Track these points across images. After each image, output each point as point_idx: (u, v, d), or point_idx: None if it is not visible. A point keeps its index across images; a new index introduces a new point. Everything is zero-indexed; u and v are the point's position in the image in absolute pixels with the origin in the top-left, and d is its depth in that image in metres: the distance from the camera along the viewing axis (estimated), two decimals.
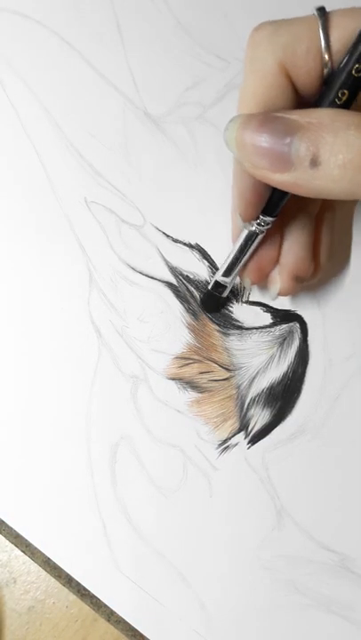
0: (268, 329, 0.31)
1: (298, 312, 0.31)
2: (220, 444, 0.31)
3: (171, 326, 0.31)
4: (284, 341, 0.31)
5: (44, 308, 0.31)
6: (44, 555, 0.31)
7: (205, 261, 0.31)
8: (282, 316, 0.31)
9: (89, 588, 0.31)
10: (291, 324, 0.31)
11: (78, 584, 0.31)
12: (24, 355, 0.31)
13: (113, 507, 0.31)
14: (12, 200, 0.32)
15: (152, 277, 0.31)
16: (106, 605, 0.31)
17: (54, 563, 0.31)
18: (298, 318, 0.31)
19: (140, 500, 0.31)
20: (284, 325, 0.31)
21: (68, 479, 0.31)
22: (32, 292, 0.31)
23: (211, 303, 0.31)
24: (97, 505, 0.31)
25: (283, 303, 0.31)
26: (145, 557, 0.31)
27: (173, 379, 0.31)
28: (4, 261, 0.31)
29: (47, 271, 0.31)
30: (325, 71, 0.23)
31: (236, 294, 0.31)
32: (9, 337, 0.31)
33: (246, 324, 0.31)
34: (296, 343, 0.31)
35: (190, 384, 0.31)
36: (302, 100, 0.24)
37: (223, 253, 0.31)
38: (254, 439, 0.31)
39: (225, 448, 0.31)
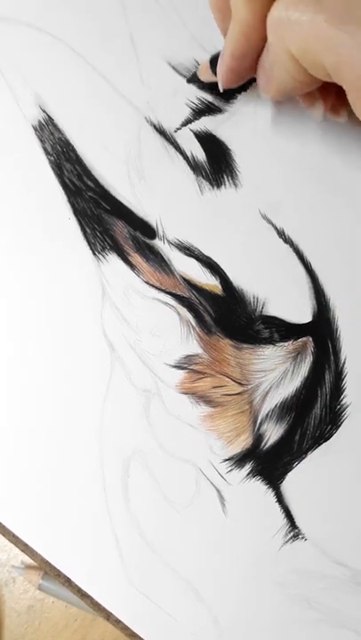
0: (281, 343, 0.31)
1: (312, 326, 0.31)
2: (233, 459, 0.31)
3: (183, 340, 0.31)
4: (297, 356, 0.31)
5: (57, 321, 0.31)
6: (43, 554, 0.31)
7: (218, 275, 0.31)
8: (296, 331, 0.31)
9: (102, 603, 0.31)
10: (304, 338, 0.31)
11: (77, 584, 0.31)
12: (37, 368, 0.31)
13: (125, 521, 0.31)
14: (24, 213, 0.32)
15: (165, 291, 0.31)
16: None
17: (53, 562, 0.31)
18: (312, 333, 0.31)
19: (153, 514, 0.31)
20: (297, 340, 0.31)
21: (81, 493, 0.31)
22: (45, 305, 0.31)
23: None
24: (109, 519, 0.31)
25: (297, 318, 0.31)
26: (157, 572, 0.31)
27: (186, 393, 0.31)
28: (16, 275, 0.31)
29: (60, 285, 0.31)
30: None
31: (249, 304, 0.31)
32: (22, 351, 0.31)
33: (259, 339, 0.31)
34: (310, 358, 0.31)
35: (203, 398, 0.31)
36: None
37: (236, 269, 0.31)
38: (268, 454, 0.31)
39: (238, 463, 0.31)
